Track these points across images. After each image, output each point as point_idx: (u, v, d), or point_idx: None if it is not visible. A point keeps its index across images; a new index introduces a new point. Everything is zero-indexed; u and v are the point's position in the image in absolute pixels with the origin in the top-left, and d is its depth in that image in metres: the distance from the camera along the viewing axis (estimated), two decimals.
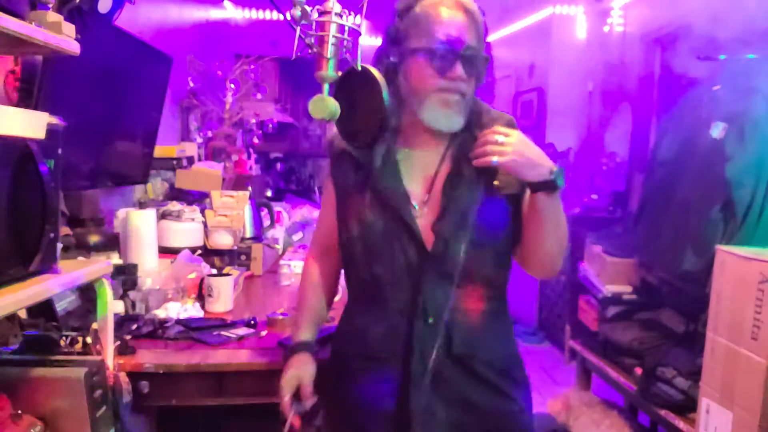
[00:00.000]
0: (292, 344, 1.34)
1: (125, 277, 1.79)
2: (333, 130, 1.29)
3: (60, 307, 1.52)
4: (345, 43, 1.12)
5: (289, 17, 1.08)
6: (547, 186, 1.15)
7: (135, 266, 1.86)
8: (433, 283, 1.19)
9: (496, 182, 1.21)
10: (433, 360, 1.19)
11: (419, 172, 1.25)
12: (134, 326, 1.59)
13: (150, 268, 1.99)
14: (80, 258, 1.70)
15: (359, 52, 1.15)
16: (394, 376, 1.22)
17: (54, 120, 1.08)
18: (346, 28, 1.11)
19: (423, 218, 1.22)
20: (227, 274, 1.97)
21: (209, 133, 3.57)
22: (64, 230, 1.83)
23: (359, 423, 1.27)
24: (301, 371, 1.27)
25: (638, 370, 2.38)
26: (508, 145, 1.13)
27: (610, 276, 2.92)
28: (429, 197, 1.24)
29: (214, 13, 4.43)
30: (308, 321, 1.37)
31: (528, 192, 1.19)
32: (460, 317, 1.21)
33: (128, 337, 1.51)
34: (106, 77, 2.07)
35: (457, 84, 1.17)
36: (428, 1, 1.19)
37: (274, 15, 4.90)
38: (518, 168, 1.13)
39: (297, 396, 1.26)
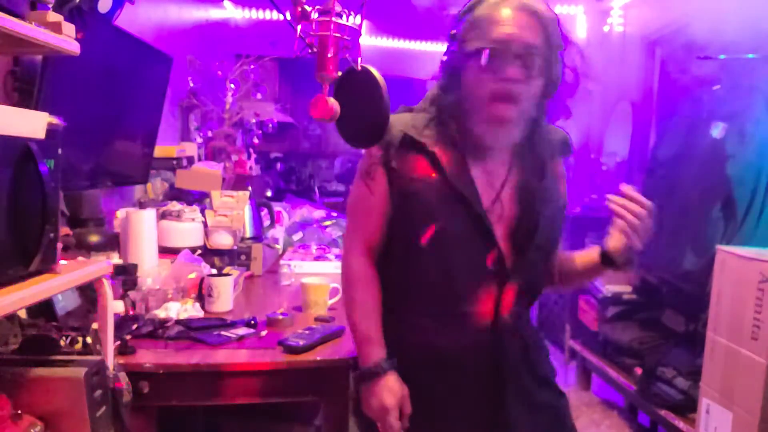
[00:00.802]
0: (376, 361, 1.20)
1: (125, 277, 1.79)
2: (390, 117, 1.16)
3: (60, 307, 1.52)
4: (345, 43, 1.12)
5: (289, 17, 1.08)
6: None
7: (135, 266, 1.86)
8: (511, 291, 1.20)
9: (556, 195, 1.27)
10: (515, 371, 1.22)
11: (486, 179, 1.21)
12: (134, 326, 1.59)
13: (150, 268, 1.99)
14: (80, 258, 1.70)
15: (359, 52, 1.15)
16: (482, 390, 1.20)
17: (54, 120, 1.07)
18: (346, 28, 1.11)
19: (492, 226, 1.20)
20: (227, 274, 1.97)
21: (209, 133, 3.56)
22: (64, 230, 1.83)
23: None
24: (402, 391, 1.19)
25: (638, 370, 2.38)
26: (646, 223, 1.12)
27: (610, 276, 2.91)
28: (494, 206, 1.20)
29: (214, 13, 4.43)
30: (379, 332, 1.22)
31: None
32: (526, 323, 1.28)
33: (128, 337, 1.51)
34: (106, 77, 2.07)
35: (509, 86, 1.11)
36: (490, 1, 1.14)
37: (274, 15, 4.90)
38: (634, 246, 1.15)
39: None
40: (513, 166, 1.23)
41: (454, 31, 1.19)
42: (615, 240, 1.17)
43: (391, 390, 1.17)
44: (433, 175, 1.18)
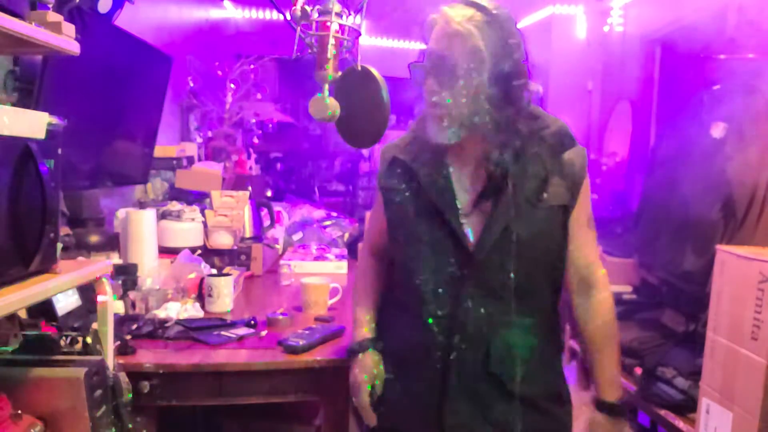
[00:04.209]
0: (358, 340, 1.32)
1: (125, 277, 1.79)
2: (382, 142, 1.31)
3: (60, 307, 1.52)
4: (345, 43, 1.12)
5: (289, 17, 1.08)
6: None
7: (135, 266, 1.86)
8: (474, 296, 1.17)
9: (544, 194, 1.18)
10: (469, 376, 1.18)
11: (467, 185, 1.23)
12: (134, 326, 1.59)
13: (150, 268, 1.99)
14: (80, 258, 1.70)
15: (359, 52, 1.15)
16: (431, 388, 1.20)
17: (54, 120, 1.07)
18: (346, 28, 1.11)
19: (469, 229, 1.19)
20: (227, 274, 1.97)
21: (209, 133, 3.56)
22: (64, 230, 1.83)
23: (399, 425, 1.27)
24: (374, 371, 1.27)
25: (638, 370, 2.38)
26: None
27: (610, 276, 2.92)
28: (474, 210, 1.20)
29: (214, 13, 4.43)
30: (370, 317, 1.36)
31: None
32: (499, 333, 1.17)
33: (128, 337, 1.51)
34: (106, 77, 2.07)
35: (432, 98, 1.15)
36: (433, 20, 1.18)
37: (274, 15, 4.90)
38: None
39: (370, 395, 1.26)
40: (495, 168, 1.18)
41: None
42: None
43: (363, 368, 1.27)
44: (412, 188, 1.24)
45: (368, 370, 1.27)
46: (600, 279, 1.31)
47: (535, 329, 1.21)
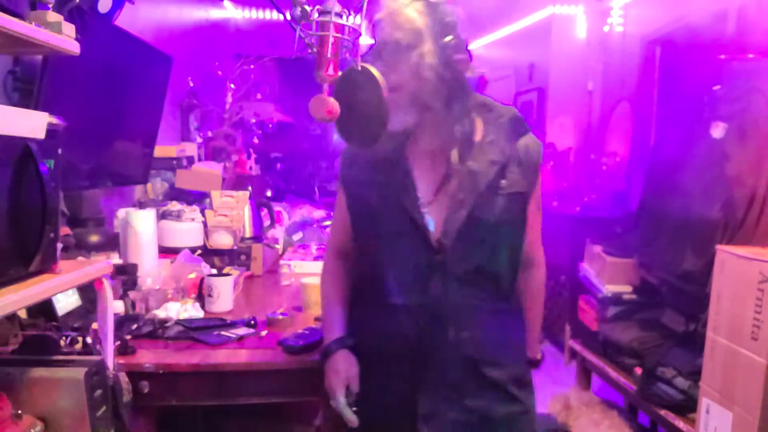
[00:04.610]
0: (327, 343, 1.32)
1: (125, 277, 1.79)
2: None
3: (60, 307, 1.52)
4: (345, 43, 1.12)
5: (289, 17, 1.08)
6: None
7: (135, 266, 1.86)
8: (442, 283, 1.20)
9: (503, 181, 1.22)
10: (442, 363, 1.20)
11: (427, 173, 1.25)
12: (134, 326, 1.59)
13: (150, 268, 1.99)
14: (80, 258, 1.70)
15: (359, 52, 1.15)
16: (404, 376, 1.22)
17: (54, 120, 1.07)
18: (346, 28, 1.11)
19: (431, 218, 1.22)
20: (227, 274, 1.97)
21: (209, 133, 3.57)
22: (64, 230, 1.83)
23: (375, 418, 1.27)
24: (348, 370, 1.27)
25: (638, 370, 2.38)
26: None
27: (610, 276, 2.92)
28: (436, 198, 1.23)
29: (214, 13, 4.43)
30: (339, 318, 1.35)
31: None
32: (467, 318, 1.21)
33: (128, 337, 1.51)
34: (106, 77, 2.07)
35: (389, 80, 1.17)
36: None
37: (274, 15, 4.90)
38: None
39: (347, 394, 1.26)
40: (452, 157, 1.22)
41: None
42: None
43: (334, 369, 1.27)
44: (373, 181, 1.25)
45: (342, 371, 1.26)
46: (539, 259, 1.39)
47: (503, 312, 1.26)
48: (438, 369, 1.21)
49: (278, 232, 2.87)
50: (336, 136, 1.42)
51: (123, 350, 1.43)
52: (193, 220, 2.33)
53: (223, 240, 2.39)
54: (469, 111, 1.22)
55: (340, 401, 1.24)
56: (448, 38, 1.17)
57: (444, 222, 1.21)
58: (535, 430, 1.31)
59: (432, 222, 1.22)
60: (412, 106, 1.20)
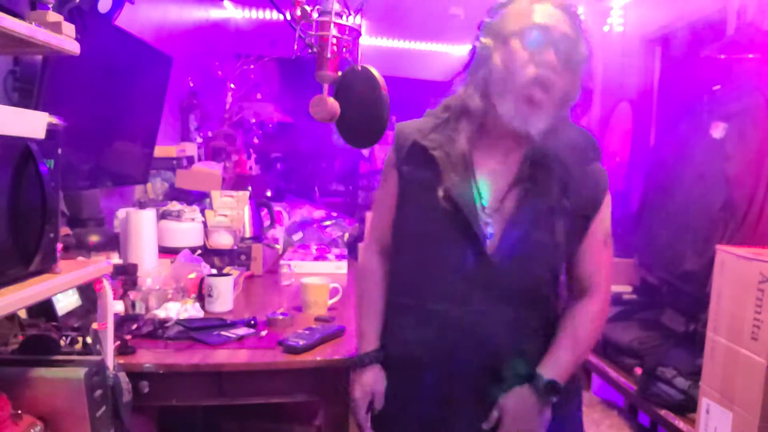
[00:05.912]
0: (361, 354, 1.28)
1: (125, 277, 1.79)
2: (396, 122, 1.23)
3: (60, 307, 1.52)
4: (345, 43, 1.12)
5: (289, 17, 1.08)
6: None
7: (135, 266, 1.86)
8: (486, 296, 1.15)
9: (567, 203, 1.17)
10: (472, 376, 1.17)
11: (494, 178, 1.19)
12: (134, 326, 1.59)
13: (150, 268, 1.99)
14: (80, 258, 1.70)
15: (359, 52, 1.15)
16: (435, 395, 1.19)
17: (54, 120, 1.07)
18: (346, 28, 1.11)
19: (491, 228, 1.17)
20: (227, 274, 1.97)
21: (209, 133, 3.56)
22: (64, 230, 1.83)
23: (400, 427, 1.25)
24: (375, 386, 1.25)
25: (638, 370, 2.38)
26: None
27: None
28: (500, 206, 1.18)
29: (214, 13, 4.42)
30: (377, 325, 1.30)
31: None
32: (506, 335, 1.16)
33: (128, 337, 1.51)
34: (106, 77, 2.06)
35: (544, 71, 1.10)
36: (523, 1, 1.15)
37: (274, 15, 4.89)
38: None
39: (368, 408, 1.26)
40: (525, 167, 1.18)
41: (488, 19, 1.17)
42: None
43: (361, 383, 1.25)
44: (433, 178, 1.18)
45: (368, 387, 1.25)
46: (598, 291, 1.26)
47: (544, 335, 1.21)
48: (467, 384, 1.17)
49: (278, 232, 2.87)
50: (336, 136, 1.38)
51: (123, 350, 1.43)
52: (193, 220, 2.33)
53: (223, 240, 2.39)
54: (556, 129, 1.16)
55: (361, 416, 1.24)
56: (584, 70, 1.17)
57: (502, 234, 1.15)
58: None
59: (491, 232, 1.16)
60: (551, 113, 1.14)
